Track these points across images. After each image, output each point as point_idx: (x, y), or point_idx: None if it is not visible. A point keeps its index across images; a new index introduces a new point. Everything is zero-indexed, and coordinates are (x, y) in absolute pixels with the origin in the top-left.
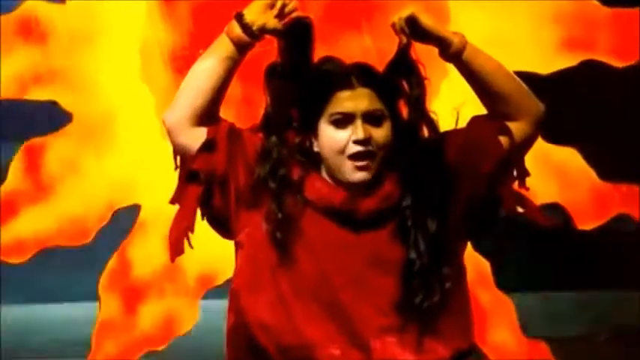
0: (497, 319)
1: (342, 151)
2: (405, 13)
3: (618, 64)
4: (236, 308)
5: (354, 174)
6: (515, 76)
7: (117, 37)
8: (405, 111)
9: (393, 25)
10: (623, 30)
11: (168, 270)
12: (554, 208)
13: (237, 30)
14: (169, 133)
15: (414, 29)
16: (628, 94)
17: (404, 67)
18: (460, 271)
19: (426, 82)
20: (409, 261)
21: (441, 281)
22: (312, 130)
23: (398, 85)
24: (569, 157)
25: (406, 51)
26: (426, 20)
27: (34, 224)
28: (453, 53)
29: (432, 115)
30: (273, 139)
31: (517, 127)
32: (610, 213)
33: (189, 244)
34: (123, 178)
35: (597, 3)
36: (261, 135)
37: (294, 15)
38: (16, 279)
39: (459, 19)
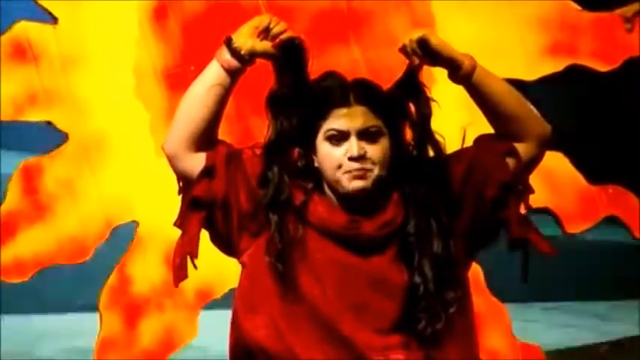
0: (491, 325)
1: (338, 167)
2: (417, 34)
3: (602, 68)
4: (237, 326)
5: (351, 183)
6: (523, 97)
7: (110, 56)
8: (408, 131)
9: (404, 48)
10: (606, 34)
11: (166, 285)
12: (544, 213)
13: (226, 55)
14: (169, 160)
15: (425, 51)
16: (613, 97)
17: (412, 88)
18: (465, 293)
19: (432, 103)
20: (413, 285)
21: (445, 306)
22: (311, 146)
23: (401, 104)
24: (557, 161)
25: (416, 73)
26: (437, 41)
27: (33, 244)
28: (463, 75)
29: (438, 137)
30: (275, 165)
31: (524, 148)
32: (598, 215)
33: (194, 266)
34: (120, 195)
35: (579, 8)
36: (262, 156)
37: (284, 36)
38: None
39: (444, 27)
